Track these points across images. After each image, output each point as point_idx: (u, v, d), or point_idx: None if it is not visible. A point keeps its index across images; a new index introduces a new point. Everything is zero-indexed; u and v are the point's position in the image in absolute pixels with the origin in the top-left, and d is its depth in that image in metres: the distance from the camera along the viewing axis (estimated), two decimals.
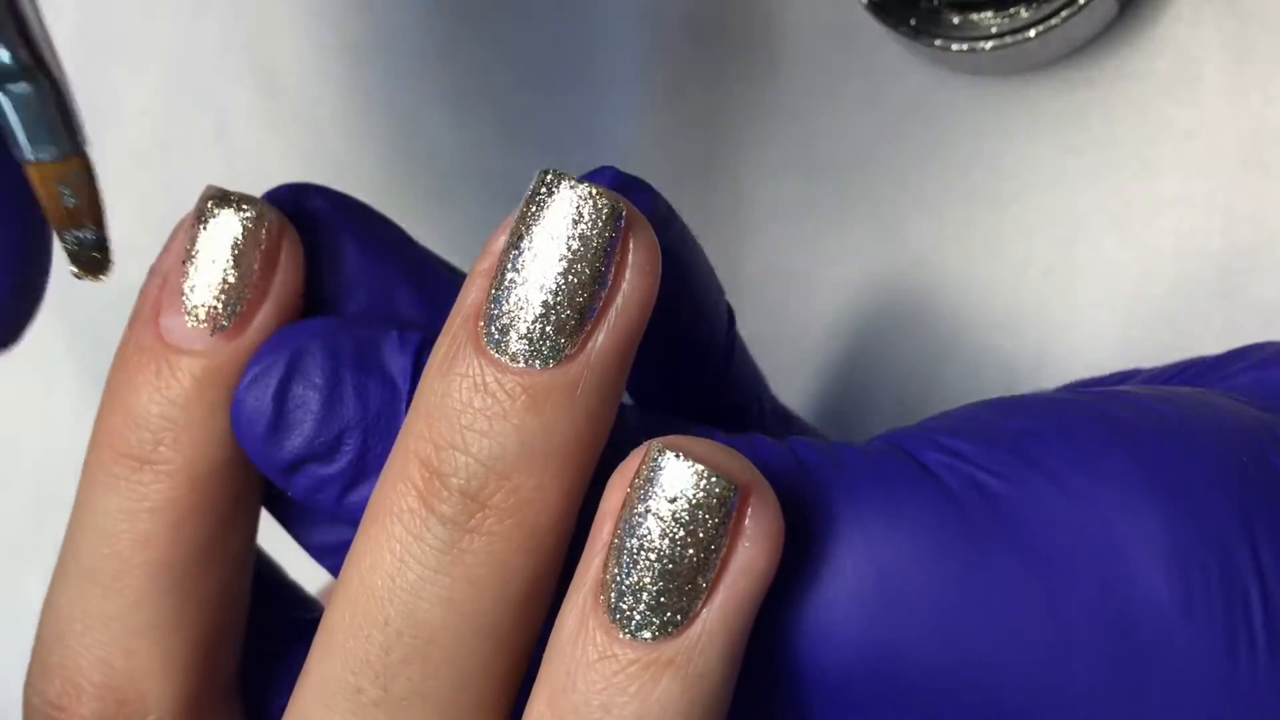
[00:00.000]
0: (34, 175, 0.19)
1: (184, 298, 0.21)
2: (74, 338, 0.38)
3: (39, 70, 0.18)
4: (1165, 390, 0.21)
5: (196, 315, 0.21)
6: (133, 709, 0.22)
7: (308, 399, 0.21)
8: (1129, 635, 0.18)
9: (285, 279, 0.22)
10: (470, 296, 0.19)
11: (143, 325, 0.22)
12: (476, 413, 0.19)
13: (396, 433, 0.21)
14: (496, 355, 0.19)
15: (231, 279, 0.21)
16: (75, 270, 0.20)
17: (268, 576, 0.25)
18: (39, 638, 0.23)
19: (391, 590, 0.19)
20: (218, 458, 0.22)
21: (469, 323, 0.19)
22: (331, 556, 0.23)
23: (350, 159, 0.35)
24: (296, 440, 0.21)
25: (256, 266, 0.21)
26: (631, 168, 0.33)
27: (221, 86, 0.37)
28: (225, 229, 0.21)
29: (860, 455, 0.20)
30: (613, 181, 0.21)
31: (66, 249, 0.20)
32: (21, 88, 0.18)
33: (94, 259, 0.20)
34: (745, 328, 0.33)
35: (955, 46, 0.29)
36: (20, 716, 0.39)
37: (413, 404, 0.20)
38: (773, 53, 0.31)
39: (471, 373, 0.19)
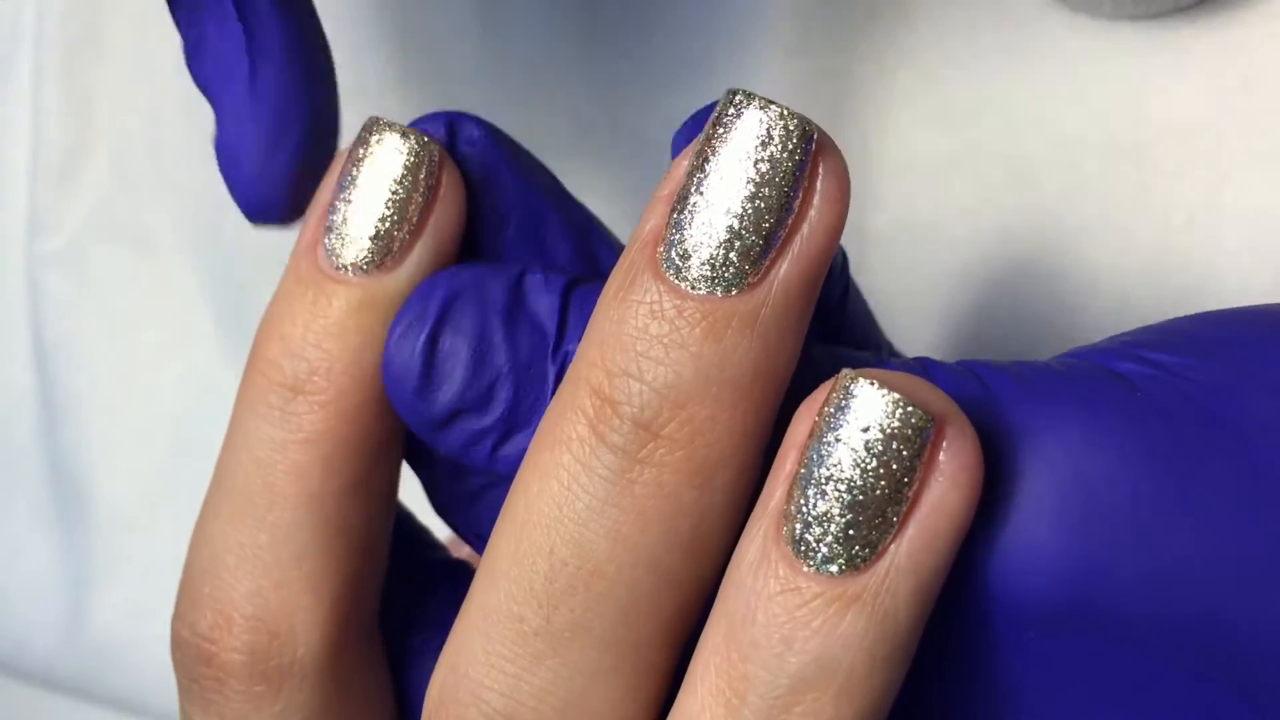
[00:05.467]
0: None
1: (343, 228, 0.21)
2: (212, 287, 0.39)
3: None
4: None
5: (355, 247, 0.21)
6: (283, 642, 0.22)
7: (458, 349, 0.20)
8: None
9: (444, 213, 0.22)
10: (650, 222, 0.19)
11: (302, 255, 0.22)
12: (653, 340, 0.18)
13: (546, 379, 0.20)
14: (676, 281, 0.18)
15: (391, 212, 0.21)
16: None
17: (400, 520, 0.25)
18: (189, 570, 0.22)
19: (558, 519, 0.19)
20: (371, 390, 0.21)
21: (648, 249, 0.19)
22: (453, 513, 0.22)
23: (485, 115, 0.35)
24: (449, 392, 0.20)
25: (417, 200, 0.21)
26: None
27: (355, 44, 0.37)
28: (386, 161, 0.21)
29: (1050, 371, 0.19)
30: None
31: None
32: None
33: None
34: (874, 282, 0.33)
35: None
36: (141, 653, 0.40)
37: (586, 332, 0.19)
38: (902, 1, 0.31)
39: (649, 299, 0.18)
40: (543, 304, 0.21)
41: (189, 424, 0.39)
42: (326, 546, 0.22)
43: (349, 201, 0.21)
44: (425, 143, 0.21)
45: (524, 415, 0.20)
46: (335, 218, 0.22)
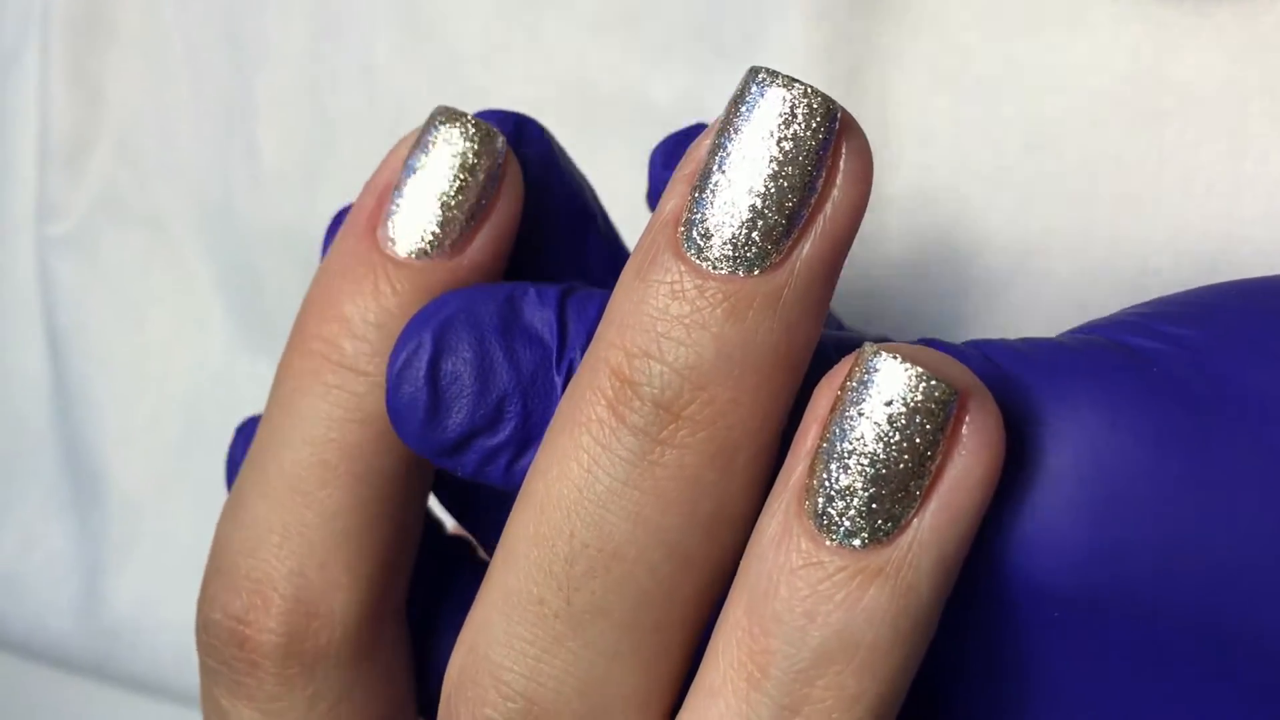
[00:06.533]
0: None
1: (408, 213, 0.21)
2: (222, 270, 0.39)
3: None
4: None
5: (419, 232, 0.21)
6: (322, 623, 0.22)
7: (460, 373, 0.20)
8: None
9: (506, 205, 0.22)
10: (671, 202, 0.19)
11: (361, 236, 0.22)
12: (673, 320, 0.18)
13: (553, 391, 0.20)
14: (697, 261, 0.18)
15: (457, 199, 0.21)
16: None
17: None
18: (220, 553, 0.22)
19: (578, 501, 0.19)
20: None
21: (668, 228, 0.19)
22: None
23: (495, 95, 0.35)
24: (459, 416, 0.20)
25: (482, 190, 0.21)
26: None
27: (366, 26, 0.37)
28: (455, 149, 0.21)
29: (1062, 349, 0.19)
30: None
31: None
32: None
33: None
34: (892, 249, 0.33)
35: None
36: (154, 635, 0.40)
37: (605, 312, 0.19)
38: None
39: (670, 279, 0.18)
40: (538, 318, 0.21)
41: (201, 407, 0.39)
42: (371, 527, 0.22)
43: (415, 187, 0.21)
44: (492, 134, 0.22)
45: (536, 428, 0.20)
46: (400, 202, 0.22)
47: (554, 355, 0.20)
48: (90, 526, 0.40)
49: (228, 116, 0.37)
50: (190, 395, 0.39)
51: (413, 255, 0.21)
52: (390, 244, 0.21)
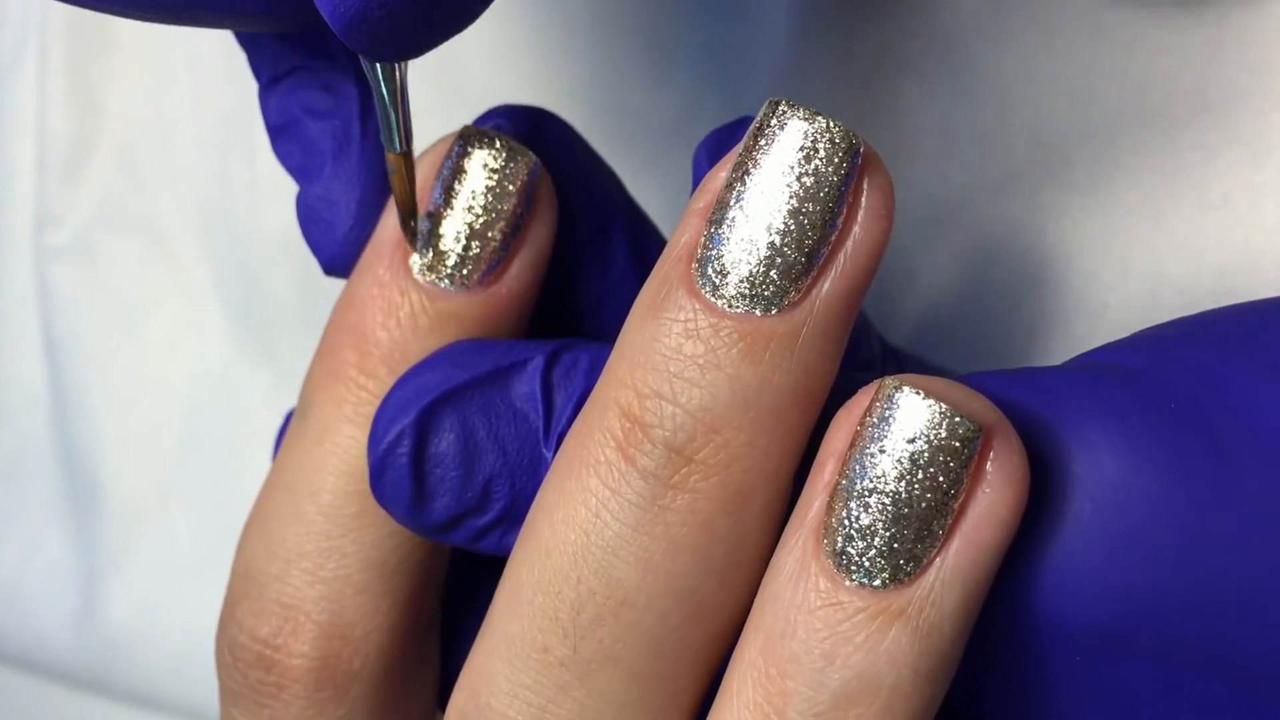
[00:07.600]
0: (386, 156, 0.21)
1: (441, 241, 0.21)
2: (221, 277, 0.39)
3: (392, 90, 0.20)
4: None
5: (455, 264, 0.21)
6: (355, 648, 0.21)
7: (444, 460, 0.20)
8: None
9: (541, 226, 0.21)
10: (684, 236, 0.18)
11: (389, 264, 0.21)
12: (687, 360, 0.18)
13: (541, 465, 0.20)
14: (712, 299, 0.18)
15: (489, 227, 0.21)
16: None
17: None
18: (247, 576, 0.22)
19: (586, 547, 0.18)
20: None
21: (681, 264, 0.18)
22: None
23: (494, 95, 0.35)
24: (444, 501, 0.20)
25: (516, 214, 0.21)
26: (786, 95, 0.32)
27: None
28: (485, 175, 0.21)
29: (1073, 380, 0.18)
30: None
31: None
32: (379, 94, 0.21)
33: (408, 230, 0.21)
34: (901, 259, 0.32)
35: None
36: (154, 645, 0.40)
37: (616, 348, 0.19)
38: None
39: (683, 317, 0.18)
40: (522, 393, 0.20)
41: (200, 415, 0.39)
42: (409, 552, 0.22)
43: (447, 214, 0.21)
44: (524, 155, 0.21)
45: (526, 503, 0.20)
46: (432, 228, 0.21)
47: (540, 431, 0.20)
48: (88, 534, 0.40)
49: (226, 124, 0.37)
50: (188, 403, 0.39)
51: (446, 284, 0.21)
52: (422, 272, 0.21)
